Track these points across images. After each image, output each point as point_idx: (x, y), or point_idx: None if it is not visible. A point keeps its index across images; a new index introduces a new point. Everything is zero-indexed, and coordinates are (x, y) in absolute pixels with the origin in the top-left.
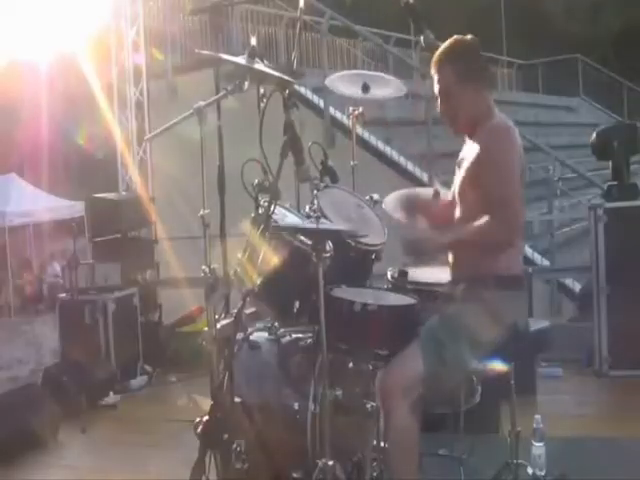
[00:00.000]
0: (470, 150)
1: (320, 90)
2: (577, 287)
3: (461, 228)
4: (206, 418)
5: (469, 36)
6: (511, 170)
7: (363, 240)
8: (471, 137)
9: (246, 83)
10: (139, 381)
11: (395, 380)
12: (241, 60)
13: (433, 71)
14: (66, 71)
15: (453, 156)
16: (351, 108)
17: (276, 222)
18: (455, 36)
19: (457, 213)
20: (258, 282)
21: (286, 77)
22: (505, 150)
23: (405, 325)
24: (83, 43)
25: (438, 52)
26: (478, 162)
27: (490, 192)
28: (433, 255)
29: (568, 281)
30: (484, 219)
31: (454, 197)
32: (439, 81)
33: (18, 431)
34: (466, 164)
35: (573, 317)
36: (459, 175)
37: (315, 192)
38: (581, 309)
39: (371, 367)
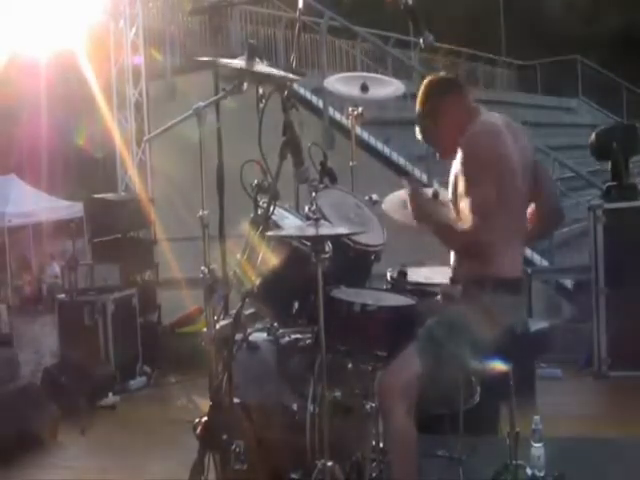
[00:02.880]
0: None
1: (319, 91)
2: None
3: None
4: (205, 419)
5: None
6: (486, 172)
7: (362, 241)
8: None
9: (245, 84)
10: (138, 382)
11: (393, 381)
12: (240, 63)
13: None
14: (65, 72)
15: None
16: (350, 109)
17: (275, 224)
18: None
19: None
20: (257, 283)
21: (288, 75)
22: (477, 154)
23: (404, 326)
24: (82, 44)
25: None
26: (459, 172)
27: (470, 199)
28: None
29: (567, 282)
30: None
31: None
32: (421, 131)
33: (18, 431)
34: (454, 174)
35: (572, 318)
36: (450, 184)
37: (314, 193)
38: (578, 306)
39: (370, 368)
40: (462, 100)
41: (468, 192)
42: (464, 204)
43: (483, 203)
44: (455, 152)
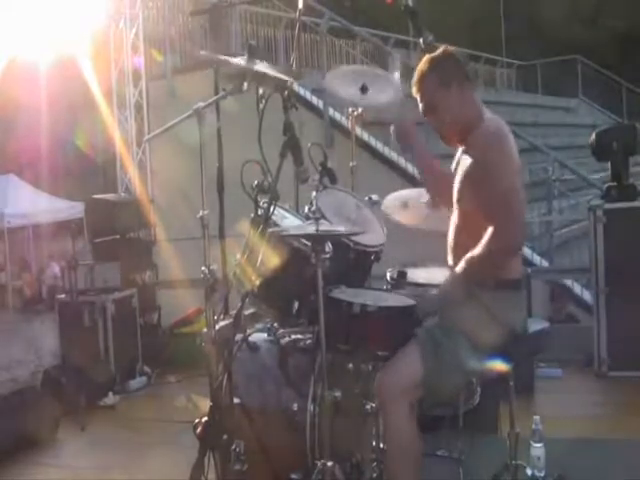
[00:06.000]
0: (464, 158)
1: (319, 91)
2: (577, 288)
3: (469, 255)
4: (205, 419)
5: (441, 47)
6: (507, 175)
7: (362, 241)
8: (463, 144)
9: (245, 84)
10: (138, 382)
11: (393, 381)
12: (241, 61)
13: (415, 90)
14: (65, 72)
15: (452, 157)
16: (350, 109)
17: (276, 224)
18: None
19: (455, 220)
20: (257, 283)
21: (284, 77)
22: (498, 156)
23: (404, 326)
24: (82, 45)
25: (415, 72)
26: (473, 172)
27: (489, 202)
28: (460, 293)
29: (568, 282)
30: (488, 232)
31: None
32: (422, 97)
33: (18, 432)
34: (461, 173)
35: (572, 317)
36: (455, 183)
37: (314, 193)
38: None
39: (370, 368)
40: (468, 91)
41: (491, 194)
42: (473, 205)
43: (510, 203)
44: (455, 140)
